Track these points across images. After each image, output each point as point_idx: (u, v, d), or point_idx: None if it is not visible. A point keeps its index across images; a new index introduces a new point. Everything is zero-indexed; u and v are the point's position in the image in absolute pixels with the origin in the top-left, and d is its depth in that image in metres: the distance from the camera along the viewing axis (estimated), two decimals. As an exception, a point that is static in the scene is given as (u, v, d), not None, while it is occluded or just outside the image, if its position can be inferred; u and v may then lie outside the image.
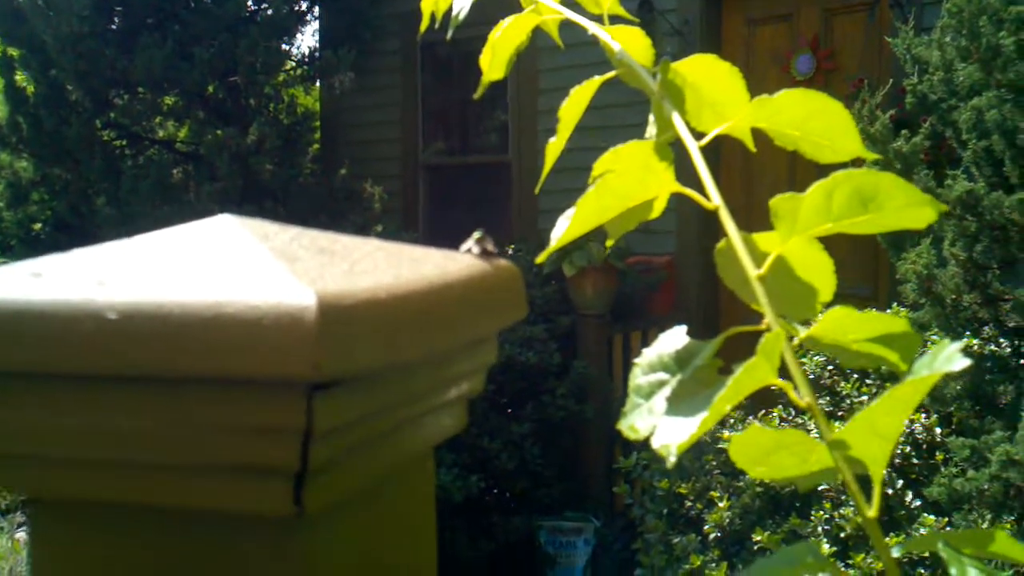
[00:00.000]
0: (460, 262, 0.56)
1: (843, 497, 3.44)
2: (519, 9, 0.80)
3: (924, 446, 3.63)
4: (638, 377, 0.60)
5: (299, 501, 0.45)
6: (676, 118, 0.67)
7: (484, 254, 0.61)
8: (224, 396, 0.44)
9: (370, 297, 0.45)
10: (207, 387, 0.44)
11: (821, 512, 3.37)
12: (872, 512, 0.55)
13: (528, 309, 0.64)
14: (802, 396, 0.56)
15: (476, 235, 0.61)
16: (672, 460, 0.54)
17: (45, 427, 0.47)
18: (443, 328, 0.52)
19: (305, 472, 0.45)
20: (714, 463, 3.91)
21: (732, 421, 4.01)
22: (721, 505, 3.64)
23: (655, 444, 0.55)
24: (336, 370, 0.43)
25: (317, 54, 7.48)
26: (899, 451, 3.58)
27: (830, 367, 3.91)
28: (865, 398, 3.70)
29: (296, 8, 7.04)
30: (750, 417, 3.96)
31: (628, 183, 0.63)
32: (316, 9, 7.57)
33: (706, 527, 3.66)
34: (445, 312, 0.52)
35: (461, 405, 0.61)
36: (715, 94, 0.69)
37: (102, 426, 0.46)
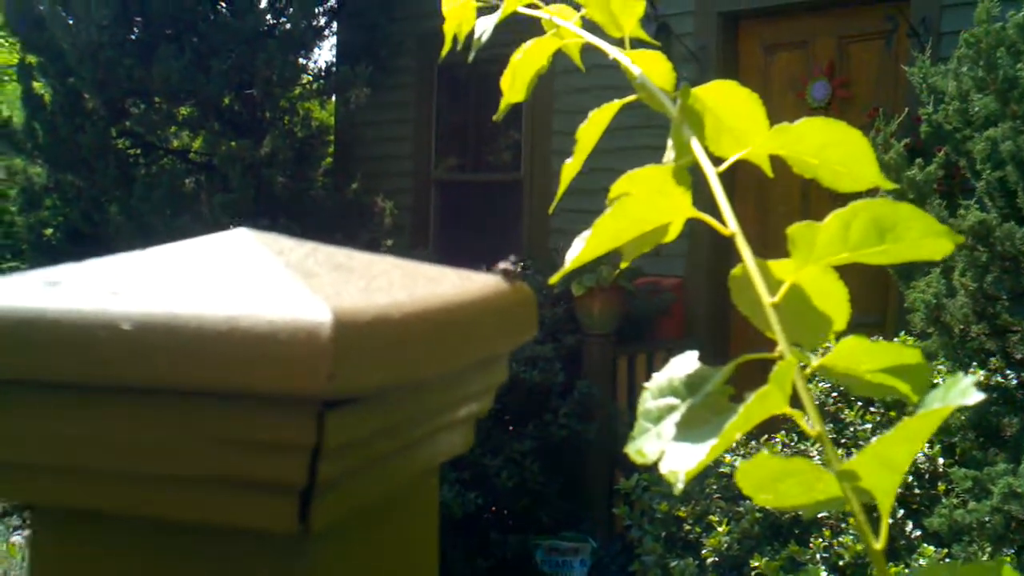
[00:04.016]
0: (475, 282, 0.56)
1: (842, 525, 3.42)
2: (536, 31, 0.80)
3: (926, 476, 3.62)
4: (648, 401, 0.60)
5: (305, 518, 0.45)
6: (694, 143, 0.67)
7: (503, 274, 0.61)
8: (235, 410, 0.44)
9: (385, 315, 0.44)
10: (219, 401, 0.44)
11: (820, 540, 3.35)
12: (879, 544, 0.54)
13: (536, 332, 0.64)
14: (812, 425, 0.56)
15: (508, 262, 0.61)
16: (680, 487, 0.53)
17: (55, 436, 0.47)
18: (457, 348, 0.52)
19: (312, 489, 0.45)
20: (715, 487, 3.89)
21: (734, 445, 4.00)
22: (720, 529, 3.62)
23: (663, 470, 0.55)
24: (349, 387, 0.43)
25: (334, 69, 7.50)
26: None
27: (835, 394, 3.90)
28: (869, 426, 3.68)
29: (314, 23, 7.08)
30: (752, 442, 3.95)
31: (645, 207, 0.63)
32: (334, 24, 7.61)
33: (704, 551, 3.64)
34: (459, 332, 0.52)
35: (469, 424, 0.61)
36: (734, 120, 0.69)
37: (112, 437, 0.46)
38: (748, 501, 3.68)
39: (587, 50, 0.85)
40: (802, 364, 0.59)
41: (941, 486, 3.48)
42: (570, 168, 0.75)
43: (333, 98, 7.83)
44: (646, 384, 0.60)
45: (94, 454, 0.46)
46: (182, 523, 0.47)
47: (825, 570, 3.24)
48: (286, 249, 0.50)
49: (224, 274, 0.47)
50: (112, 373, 0.44)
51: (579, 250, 0.63)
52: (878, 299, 5.47)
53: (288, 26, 6.82)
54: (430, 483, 0.60)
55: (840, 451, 3.07)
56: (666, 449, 0.56)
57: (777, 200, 5.90)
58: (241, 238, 0.51)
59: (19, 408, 0.47)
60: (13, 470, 0.49)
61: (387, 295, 0.47)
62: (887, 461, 0.54)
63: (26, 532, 5.88)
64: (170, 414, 0.45)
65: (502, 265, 0.60)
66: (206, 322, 0.42)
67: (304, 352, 0.41)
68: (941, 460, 3.58)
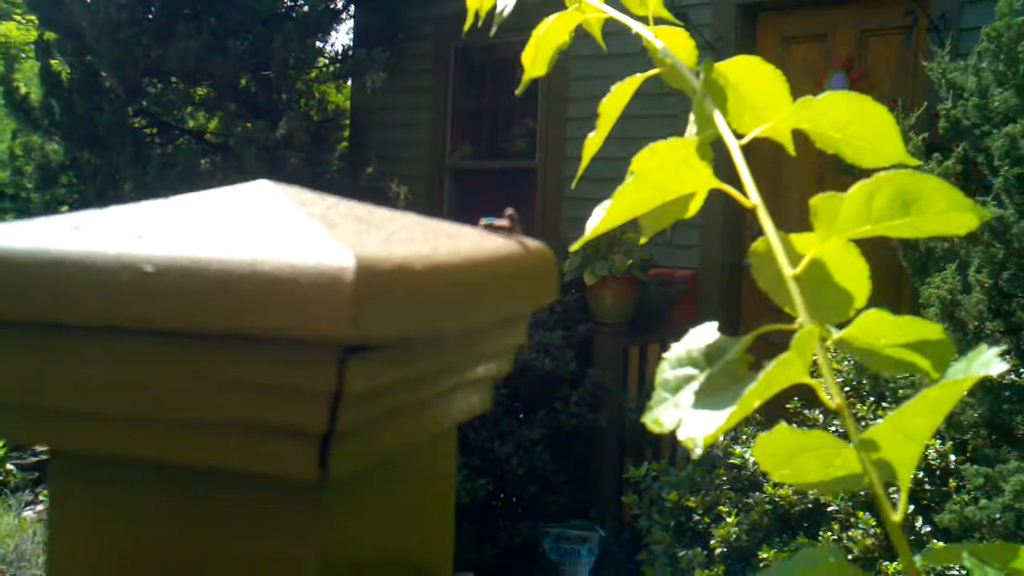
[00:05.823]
0: (496, 241, 0.56)
1: (851, 519, 3.42)
2: (553, 12, 0.80)
3: (937, 472, 3.61)
4: (665, 371, 0.59)
5: (324, 465, 0.45)
6: (717, 116, 0.66)
7: (487, 228, 0.60)
8: (257, 354, 0.44)
9: (408, 265, 0.44)
10: (241, 344, 0.44)
11: (829, 533, 3.35)
12: (898, 516, 0.54)
13: (558, 295, 0.64)
14: (832, 397, 0.56)
15: (509, 211, 0.61)
16: (699, 452, 0.53)
17: (76, 379, 0.47)
18: (477, 303, 0.52)
19: (332, 436, 0.45)
20: (724, 478, 3.89)
21: (744, 437, 4.00)
22: (729, 520, 3.62)
23: (681, 436, 0.54)
24: (371, 334, 0.42)
25: (350, 52, 7.51)
26: (912, 476, 3.55)
27: (847, 389, 3.90)
28: (880, 421, 3.67)
29: (331, 6, 7.08)
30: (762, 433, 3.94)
31: (667, 176, 0.62)
32: (351, 8, 7.61)
33: (713, 542, 3.64)
34: (480, 287, 0.52)
35: (488, 385, 0.60)
36: (757, 95, 0.69)
37: (133, 380, 0.46)
38: (758, 492, 3.68)
39: (606, 37, 0.85)
40: (822, 337, 0.58)
41: (952, 483, 3.47)
42: (593, 142, 0.74)
43: (349, 82, 7.83)
44: (664, 355, 0.60)
45: (114, 398, 0.46)
46: (202, 468, 0.47)
47: (833, 563, 3.23)
48: (308, 201, 0.50)
49: (247, 221, 0.47)
50: (134, 315, 0.44)
51: (600, 218, 0.63)
52: (891, 294, 5.45)
53: (306, 8, 6.83)
54: (448, 444, 0.60)
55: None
56: (684, 417, 0.56)
57: (792, 185, 5.88)
58: (264, 189, 0.51)
59: (39, 350, 0.47)
60: (34, 413, 0.49)
61: (409, 247, 0.47)
62: (908, 432, 0.54)
63: (38, 507, 5.92)
64: (192, 358, 0.45)
65: (484, 221, 0.60)
66: (228, 265, 0.42)
67: (326, 296, 0.41)
68: (953, 457, 3.57)
